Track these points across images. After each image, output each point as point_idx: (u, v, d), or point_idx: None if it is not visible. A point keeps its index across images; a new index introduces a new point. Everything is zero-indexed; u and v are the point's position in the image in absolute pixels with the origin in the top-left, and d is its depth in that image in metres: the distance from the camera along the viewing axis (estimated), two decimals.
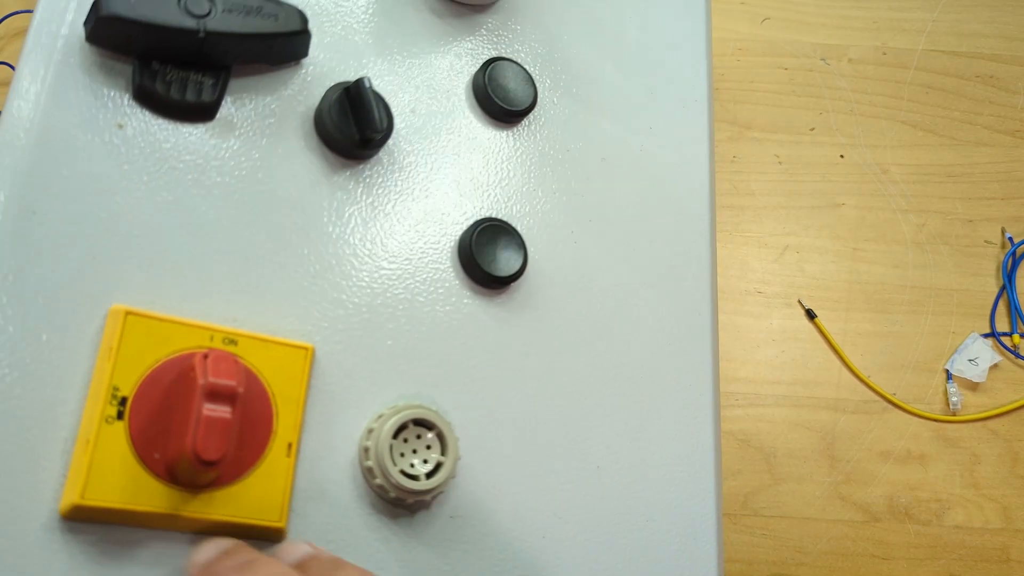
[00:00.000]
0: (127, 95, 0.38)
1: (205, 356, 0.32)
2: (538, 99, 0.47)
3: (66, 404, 0.33)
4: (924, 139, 1.19)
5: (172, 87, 0.38)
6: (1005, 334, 1.11)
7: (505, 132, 0.47)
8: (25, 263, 0.34)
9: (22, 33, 1.11)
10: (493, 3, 0.49)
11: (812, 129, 1.19)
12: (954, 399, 1.07)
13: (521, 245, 0.43)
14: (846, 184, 1.16)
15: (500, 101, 0.46)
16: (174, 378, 0.33)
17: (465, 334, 0.42)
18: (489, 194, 0.45)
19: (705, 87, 0.53)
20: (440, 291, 0.42)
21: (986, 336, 1.10)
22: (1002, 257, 1.14)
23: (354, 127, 0.39)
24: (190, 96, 0.38)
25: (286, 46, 0.40)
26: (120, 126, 0.38)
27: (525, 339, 0.43)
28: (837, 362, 1.08)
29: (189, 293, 0.36)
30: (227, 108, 0.40)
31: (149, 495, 0.32)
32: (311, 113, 0.41)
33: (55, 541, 0.31)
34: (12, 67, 1.06)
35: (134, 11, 0.35)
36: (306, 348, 0.37)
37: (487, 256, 0.42)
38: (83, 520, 0.32)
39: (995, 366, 1.09)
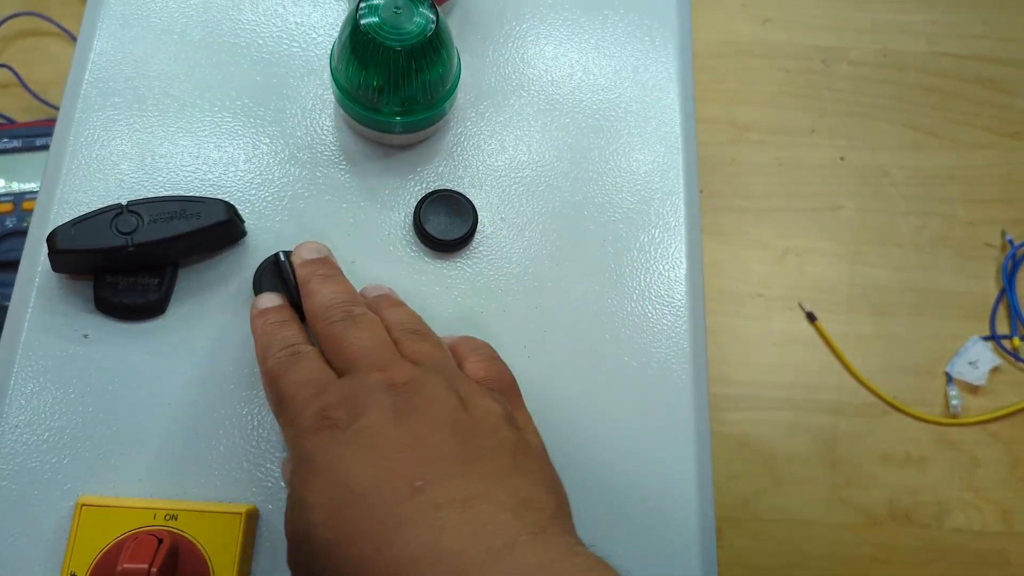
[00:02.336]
0: (91, 307, 0.44)
1: (134, 539, 0.38)
2: (478, 222, 0.47)
3: None
4: (924, 141, 1.19)
5: (123, 293, 0.44)
6: (1005, 337, 1.11)
7: (450, 261, 0.47)
8: (13, 471, 0.41)
9: (22, 35, 1.11)
10: (424, 140, 0.49)
11: (812, 131, 1.19)
12: (954, 402, 1.07)
13: None
14: (846, 186, 1.16)
15: (436, 233, 0.46)
16: (114, 561, 0.38)
17: None
18: (434, 328, 0.45)
19: (680, 167, 0.51)
20: None
21: (986, 339, 1.11)
22: (1002, 259, 1.14)
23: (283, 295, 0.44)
24: (139, 298, 0.44)
25: (216, 236, 0.45)
26: (85, 336, 0.44)
27: None
28: (838, 365, 1.08)
29: (147, 473, 0.42)
30: (178, 298, 0.45)
31: None
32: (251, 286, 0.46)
33: None
34: (12, 69, 1.06)
35: (74, 242, 0.42)
36: (240, 512, 0.40)
37: None
38: None
39: (995, 369, 1.09)
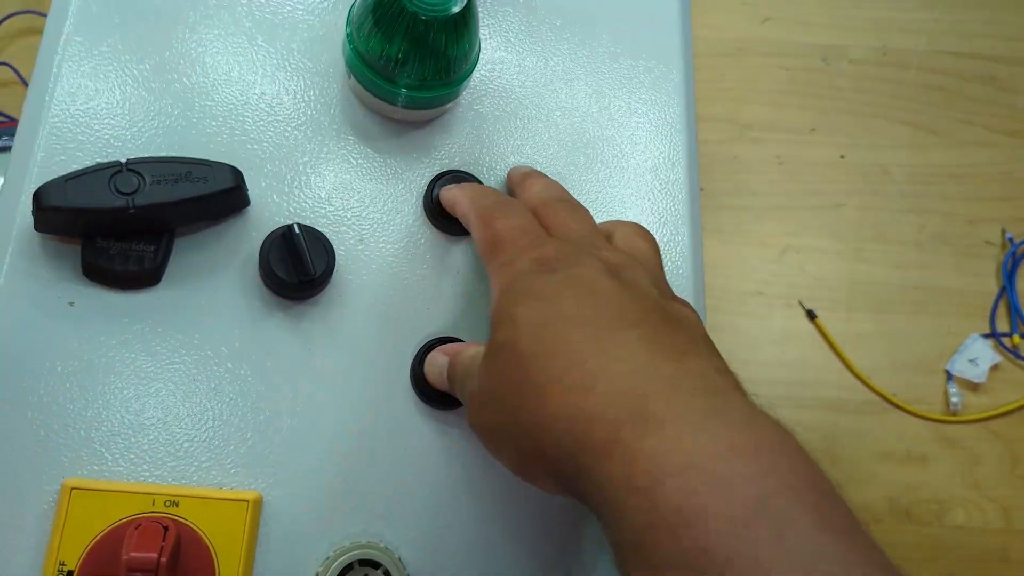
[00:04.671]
0: (77, 273, 0.40)
1: (137, 527, 0.35)
2: None
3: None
4: (925, 139, 1.19)
5: (116, 260, 0.40)
6: (1005, 334, 1.11)
7: (460, 245, 0.45)
8: None
9: (23, 34, 1.11)
10: (434, 119, 0.47)
11: (813, 129, 1.19)
12: (954, 400, 1.07)
13: None
14: (847, 184, 1.16)
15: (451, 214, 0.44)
16: (112, 549, 0.35)
17: (417, 460, 0.42)
18: (444, 313, 0.44)
19: (684, 163, 0.50)
20: (390, 420, 0.42)
21: (986, 336, 1.11)
22: (1002, 257, 1.14)
23: (292, 271, 0.40)
24: (133, 266, 0.40)
25: (221, 203, 0.42)
26: (71, 304, 0.40)
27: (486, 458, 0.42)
28: (837, 363, 1.08)
29: (140, 457, 0.39)
30: (173, 268, 0.42)
31: None
32: (255, 259, 0.42)
33: None
34: (13, 68, 1.06)
35: (67, 200, 0.38)
36: (247, 500, 0.38)
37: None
38: None
39: (995, 367, 1.09)
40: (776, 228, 1.14)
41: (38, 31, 1.11)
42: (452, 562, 0.41)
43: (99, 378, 0.40)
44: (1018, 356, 1.10)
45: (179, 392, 0.40)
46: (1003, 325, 1.12)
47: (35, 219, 0.39)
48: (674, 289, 0.47)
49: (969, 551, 1.01)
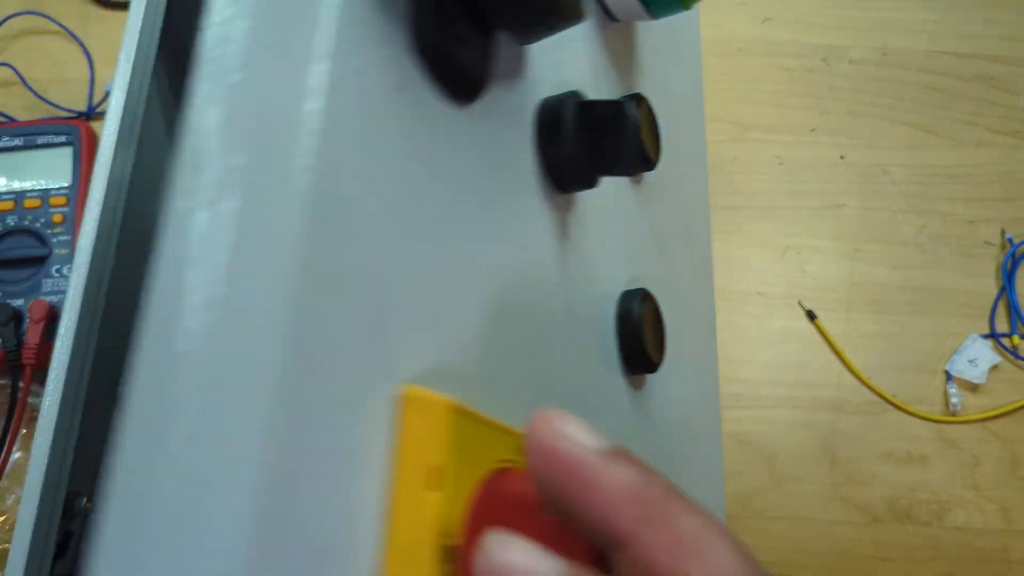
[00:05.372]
0: (401, 48, 0.23)
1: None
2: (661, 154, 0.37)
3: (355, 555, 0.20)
4: (925, 140, 1.19)
5: (469, 47, 0.25)
6: (1005, 335, 1.11)
7: (635, 187, 0.40)
8: (308, 325, 0.19)
9: (23, 34, 1.11)
10: (638, 19, 0.42)
11: (813, 130, 1.19)
12: (954, 400, 1.07)
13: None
14: (847, 185, 1.16)
15: (647, 150, 0.35)
16: (500, 516, 0.21)
17: (620, 421, 0.35)
18: (630, 256, 0.38)
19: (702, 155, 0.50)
20: (604, 380, 0.35)
21: (986, 337, 1.11)
22: (1002, 258, 1.14)
23: (606, 155, 0.30)
24: (481, 63, 0.26)
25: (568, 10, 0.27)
26: (400, 89, 0.23)
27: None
28: (837, 363, 1.08)
29: (476, 370, 0.24)
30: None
31: None
32: (530, 116, 0.30)
33: None
34: (13, 68, 1.06)
35: None
36: None
37: (646, 338, 0.35)
38: None
39: (995, 367, 1.09)
40: (776, 228, 1.14)
41: (39, 31, 1.11)
42: None
43: (436, 231, 0.24)
44: (1018, 356, 1.10)
45: (518, 283, 0.27)
46: (1003, 326, 1.12)
47: None
48: (683, 291, 0.47)
49: (969, 551, 1.01)
